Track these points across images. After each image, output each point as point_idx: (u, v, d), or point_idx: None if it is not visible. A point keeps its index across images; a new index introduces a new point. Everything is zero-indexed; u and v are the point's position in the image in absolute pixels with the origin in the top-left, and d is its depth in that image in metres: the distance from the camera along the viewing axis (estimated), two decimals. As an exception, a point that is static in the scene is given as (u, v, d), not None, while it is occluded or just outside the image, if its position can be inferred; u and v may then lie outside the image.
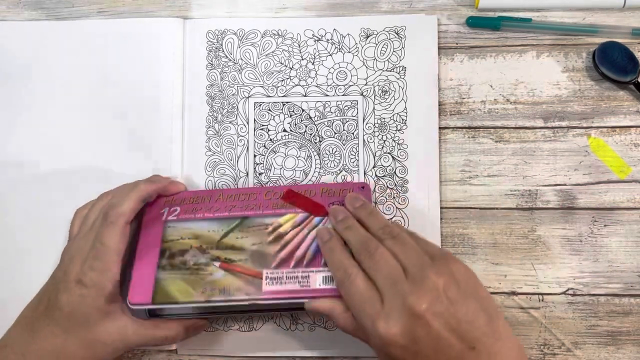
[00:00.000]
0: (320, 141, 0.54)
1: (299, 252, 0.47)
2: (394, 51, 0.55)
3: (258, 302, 0.46)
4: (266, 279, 0.46)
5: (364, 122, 0.54)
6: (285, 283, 0.46)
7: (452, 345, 0.39)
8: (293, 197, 0.50)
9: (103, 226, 0.46)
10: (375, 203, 0.52)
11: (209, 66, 0.55)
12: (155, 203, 0.51)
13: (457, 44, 0.56)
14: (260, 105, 0.55)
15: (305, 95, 0.55)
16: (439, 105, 0.54)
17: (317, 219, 0.49)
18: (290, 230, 0.48)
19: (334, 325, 0.51)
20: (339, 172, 0.54)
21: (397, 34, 0.55)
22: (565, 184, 0.53)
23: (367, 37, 0.55)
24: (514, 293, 0.52)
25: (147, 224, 0.50)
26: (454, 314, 0.39)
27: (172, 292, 0.46)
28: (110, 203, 0.48)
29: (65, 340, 0.45)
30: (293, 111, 0.55)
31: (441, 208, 0.53)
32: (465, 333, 0.39)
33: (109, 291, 0.45)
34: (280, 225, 0.48)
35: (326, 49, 0.55)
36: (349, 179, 0.53)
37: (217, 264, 0.47)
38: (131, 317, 0.47)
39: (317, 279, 0.46)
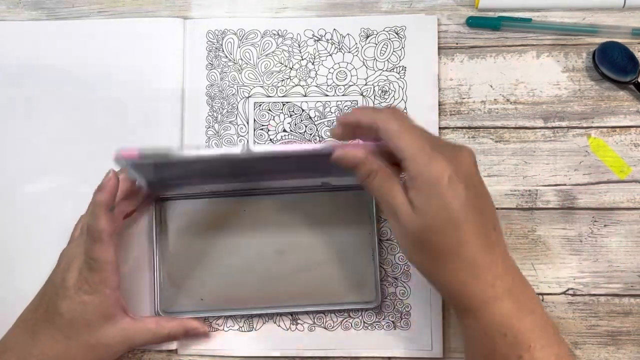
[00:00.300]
0: (320, 141, 0.54)
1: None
2: (394, 51, 0.55)
3: (254, 153, 0.42)
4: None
5: (364, 122, 0.54)
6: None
7: (488, 205, 0.41)
8: None
9: (88, 243, 0.45)
10: (375, 204, 0.52)
11: (209, 66, 0.55)
12: None
13: (457, 44, 0.56)
14: (260, 105, 0.55)
15: (305, 96, 0.55)
16: (439, 105, 0.54)
17: None
18: None
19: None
20: (339, 172, 0.54)
21: (397, 34, 0.55)
22: (565, 184, 0.53)
23: (367, 37, 0.55)
24: (514, 293, 0.52)
25: None
26: (484, 189, 0.42)
27: (160, 150, 0.43)
28: (86, 222, 0.46)
29: (67, 346, 0.45)
30: (293, 111, 0.55)
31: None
32: (490, 214, 0.42)
33: (109, 297, 0.45)
34: None
35: (326, 49, 0.55)
36: (349, 178, 0.53)
37: None
38: (133, 317, 0.47)
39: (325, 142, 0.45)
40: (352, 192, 0.52)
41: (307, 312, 0.52)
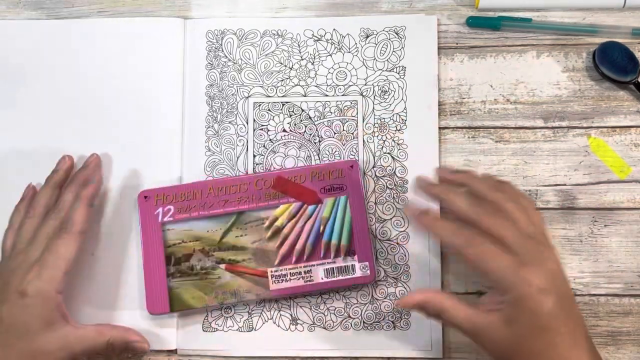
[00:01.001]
0: (319, 141, 0.54)
1: (298, 246, 0.50)
2: (393, 51, 0.55)
3: (268, 299, 0.50)
4: (272, 277, 0.50)
5: (363, 122, 0.54)
6: (290, 280, 0.50)
7: (573, 304, 0.43)
8: (283, 185, 0.51)
9: (58, 237, 0.45)
10: (375, 202, 0.52)
11: (209, 66, 0.55)
12: (146, 203, 0.51)
13: (457, 44, 0.56)
14: (259, 105, 0.55)
15: (304, 95, 0.55)
16: (439, 105, 0.54)
17: (310, 208, 0.51)
18: (287, 223, 0.51)
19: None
20: (338, 172, 0.54)
21: (396, 34, 0.55)
22: (565, 184, 0.53)
23: (367, 37, 0.55)
24: (513, 293, 0.52)
25: (145, 227, 0.51)
26: (568, 289, 0.44)
27: (187, 300, 0.50)
28: (62, 217, 0.47)
29: (5, 355, 0.44)
30: (293, 111, 0.55)
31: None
32: (575, 313, 0.43)
33: (52, 300, 0.45)
34: (276, 219, 0.51)
35: (326, 49, 0.55)
36: (348, 178, 0.53)
37: (223, 266, 0.50)
38: (74, 325, 0.47)
39: (320, 273, 0.50)
40: None
41: (303, 289, 0.51)
